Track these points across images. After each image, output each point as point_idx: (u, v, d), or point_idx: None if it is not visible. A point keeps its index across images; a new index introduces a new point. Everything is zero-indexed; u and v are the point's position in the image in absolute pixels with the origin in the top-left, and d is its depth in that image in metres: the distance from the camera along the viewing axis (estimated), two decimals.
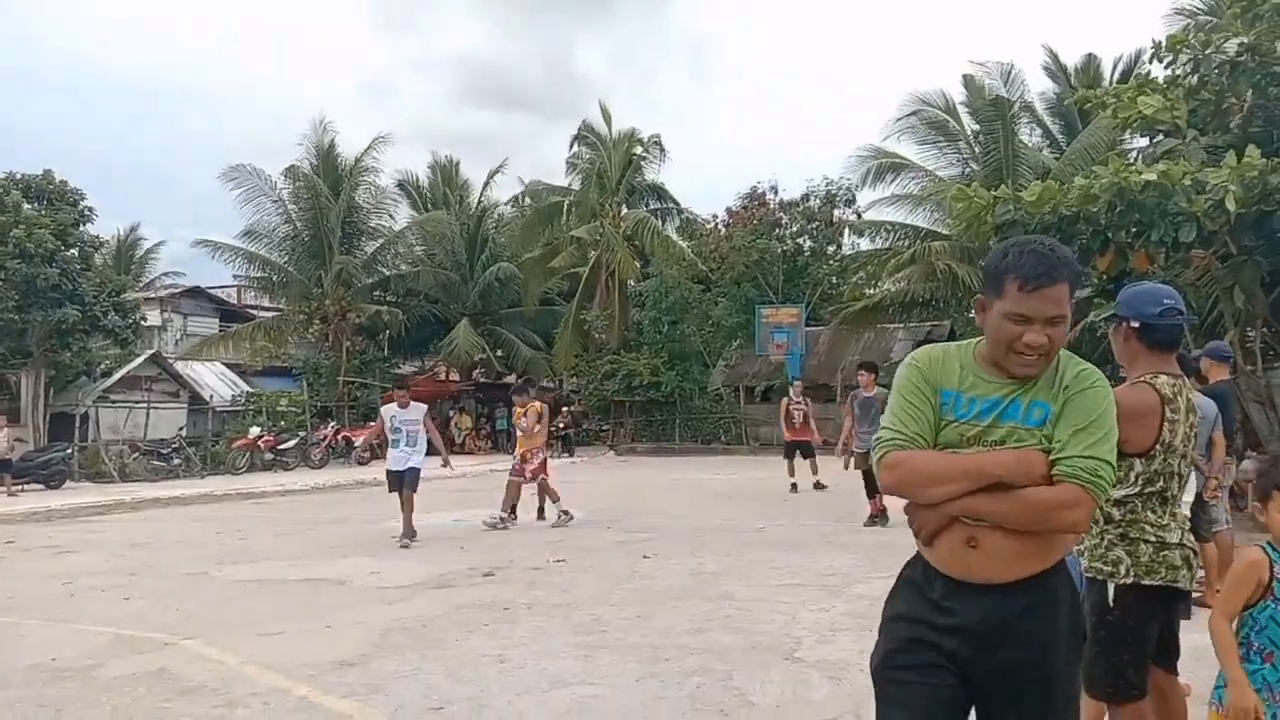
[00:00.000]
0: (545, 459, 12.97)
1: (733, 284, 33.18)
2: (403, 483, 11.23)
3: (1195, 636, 3.44)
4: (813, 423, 16.88)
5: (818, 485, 16.22)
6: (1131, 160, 11.62)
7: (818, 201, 33.31)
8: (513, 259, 35.30)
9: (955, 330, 33.83)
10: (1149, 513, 3.27)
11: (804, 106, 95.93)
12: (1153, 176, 9.07)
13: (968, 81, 27.48)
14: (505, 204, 40.07)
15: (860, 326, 30.73)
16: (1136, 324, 3.37)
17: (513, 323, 35.73)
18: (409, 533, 10.96)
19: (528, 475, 12.57)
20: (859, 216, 32.61)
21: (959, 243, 24.45)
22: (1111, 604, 3.25)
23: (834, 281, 34.56)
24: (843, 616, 6.73)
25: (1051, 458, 2.16)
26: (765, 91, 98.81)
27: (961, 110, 27.64)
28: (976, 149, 27.00)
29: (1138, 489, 3.26)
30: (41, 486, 19.65)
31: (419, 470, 11.45)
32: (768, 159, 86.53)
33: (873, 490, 11.15)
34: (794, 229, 34.12)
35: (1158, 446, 3.22)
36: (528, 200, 38.38)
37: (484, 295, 35.12)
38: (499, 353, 35.60)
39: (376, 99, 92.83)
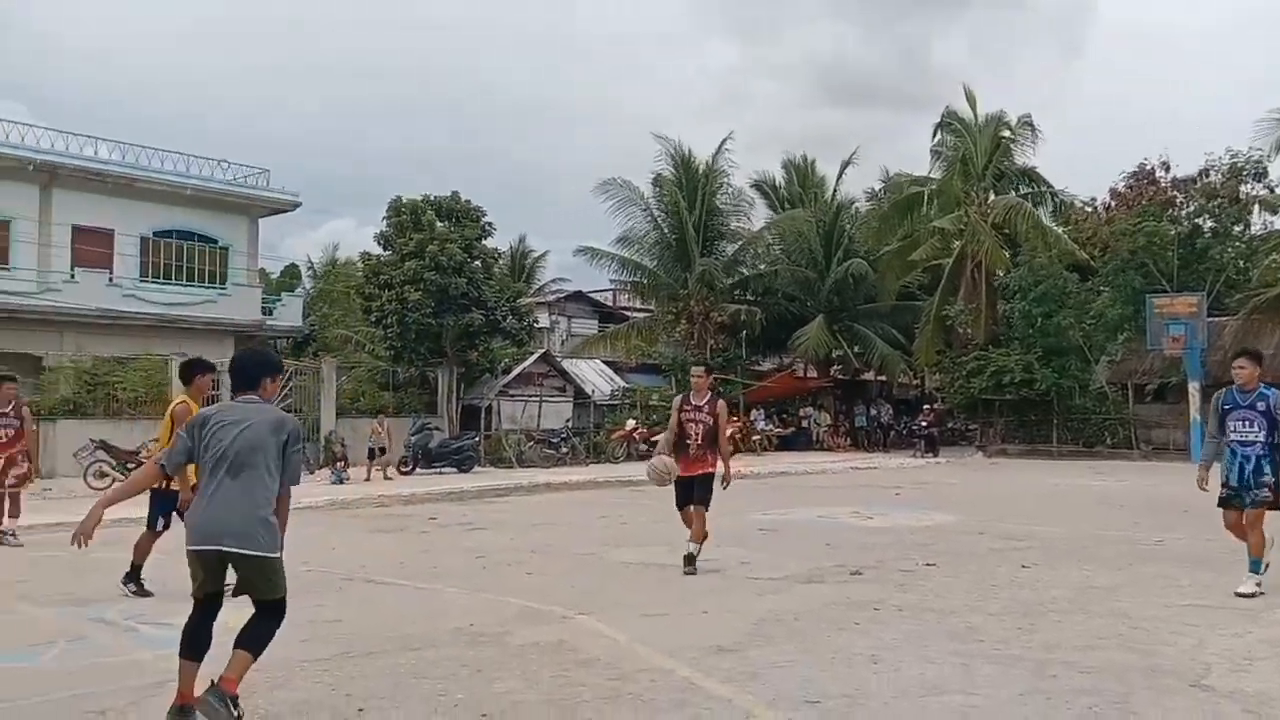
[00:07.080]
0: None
1: (1116, 272, 30.35)
2: None
3: None
4: (724, 439, 9.03)
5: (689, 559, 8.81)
6: None
7: (1219, 176, 29.55)
8: (868, 254, 34.76)
9: None
10: None
11: (1196, 66, 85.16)
12: None
13: None
14: (861, 198, 39.70)
15: (1276, 316, 26.86)
16: None
17: (869, 319, 35.24)
18: None
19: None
20: (1271, 191, 28.49)
21: None
22: None
23: (1241, 266, 30.51)
24: (1260, 644, 5.97)
25: None
26: (1149, 59, 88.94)
27: None
28: None
29: None
30: (455, 470, 22.33)
31: None
32: (1156, 133, 77.72)
33: None
34: (1190, 209, 30.54)
35: None
36: (885, 194, 37.68)
37: (839, 291, 35.00)
38: (856, 349, 35.25)
39: (731, 107, 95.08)
